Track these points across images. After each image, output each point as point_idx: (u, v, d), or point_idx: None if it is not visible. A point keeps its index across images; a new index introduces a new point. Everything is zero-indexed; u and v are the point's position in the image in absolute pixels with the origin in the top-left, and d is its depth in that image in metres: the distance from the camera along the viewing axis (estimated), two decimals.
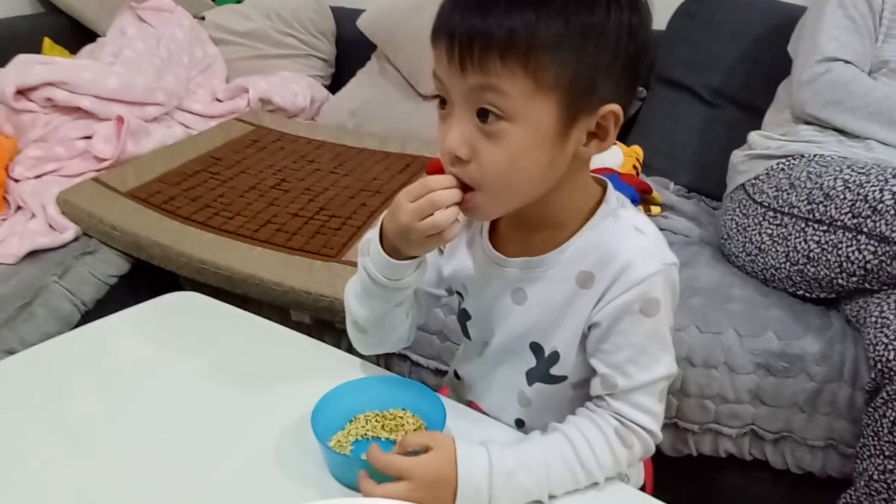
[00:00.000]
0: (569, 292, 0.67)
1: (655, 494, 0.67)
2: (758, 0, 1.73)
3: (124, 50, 1.93)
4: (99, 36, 2.12)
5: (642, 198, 1.53)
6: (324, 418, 0.69)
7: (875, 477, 1.00)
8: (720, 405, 1.15)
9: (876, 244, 1.09)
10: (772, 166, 1.33)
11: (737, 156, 1.45)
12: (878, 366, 1.00)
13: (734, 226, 1.36)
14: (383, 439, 0.70)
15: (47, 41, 2.07)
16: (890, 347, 1.00)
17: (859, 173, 1.16)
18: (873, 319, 1.07)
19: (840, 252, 1.14)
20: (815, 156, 1.28)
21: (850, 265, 1.13)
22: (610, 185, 0.70)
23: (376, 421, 0.72)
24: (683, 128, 1.74)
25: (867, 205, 1.11)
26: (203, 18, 2.26)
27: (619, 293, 0.64)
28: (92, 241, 1.44)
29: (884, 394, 0.99)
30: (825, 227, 1.16)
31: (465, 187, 0.63)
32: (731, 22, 1.72)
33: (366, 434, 0.71)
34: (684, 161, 1.72)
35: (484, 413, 0.79)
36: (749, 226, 1.31)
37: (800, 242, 1.20)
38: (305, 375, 0.80)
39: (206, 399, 0.78)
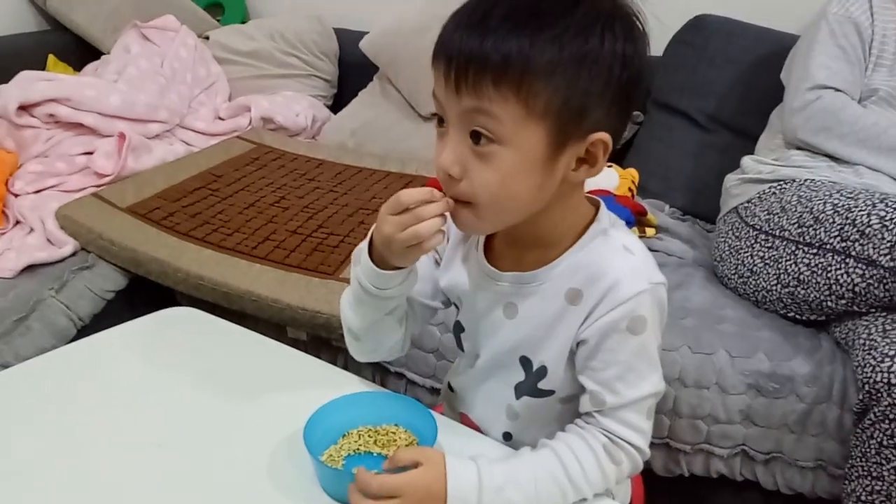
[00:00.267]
0: (558, 308, 0.69)
1: None
2: (752, 29, 1.76)
3: (128, 68, 1.95)
4: (103, 54, 2.14)
5: (637, 220, 1.54)
6: (316, 433, 0.69)
7: (863, 498, 1.01)
8: (712, 425, 1.16)
9: (864, 267, 1.11)
10: (764, 190, 1.35)
11: (730, 179, 1.47)
12: (866, 387, 1.01)
13: (727, 248, 1.37)
14: (375, 454, 0.71)
15: (51, 58, 2.09)
16: (878, 369, 1.01)
17: (848, 198, 1.18)
18: (861, 341, 1.08)
19: (829, 275, 1.15)
20: (805, 180, 1.30)
21: (838, 288, 1.14)
22: (603, 205, 0.72)
23: (369, 436, 0.73)
24: (678, 151, 1.76)
25: (855, 229, 1.13)
26: (207, 38, 2.28)
27: (607, 311, 0.65)
28: (90, 256, 1.44)
29: (871, 415, 1.00)
30: (815, 251, 1.18)
31: (459, 202, 0.64)
32: (725, 49, 1.75)
33: (358, 449, 0.71)
34: (679, 184, 1.74)
35: (475, 425, 0.80)
36: (741, 248, 1.33)
37: (790, 265, 1.22)
38: (300, 390, 0.81)
39: (200, 413, 0.79)
